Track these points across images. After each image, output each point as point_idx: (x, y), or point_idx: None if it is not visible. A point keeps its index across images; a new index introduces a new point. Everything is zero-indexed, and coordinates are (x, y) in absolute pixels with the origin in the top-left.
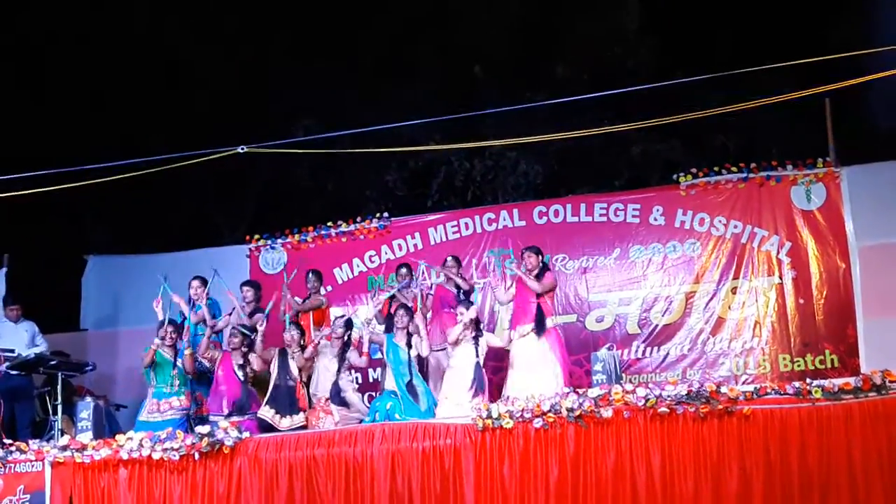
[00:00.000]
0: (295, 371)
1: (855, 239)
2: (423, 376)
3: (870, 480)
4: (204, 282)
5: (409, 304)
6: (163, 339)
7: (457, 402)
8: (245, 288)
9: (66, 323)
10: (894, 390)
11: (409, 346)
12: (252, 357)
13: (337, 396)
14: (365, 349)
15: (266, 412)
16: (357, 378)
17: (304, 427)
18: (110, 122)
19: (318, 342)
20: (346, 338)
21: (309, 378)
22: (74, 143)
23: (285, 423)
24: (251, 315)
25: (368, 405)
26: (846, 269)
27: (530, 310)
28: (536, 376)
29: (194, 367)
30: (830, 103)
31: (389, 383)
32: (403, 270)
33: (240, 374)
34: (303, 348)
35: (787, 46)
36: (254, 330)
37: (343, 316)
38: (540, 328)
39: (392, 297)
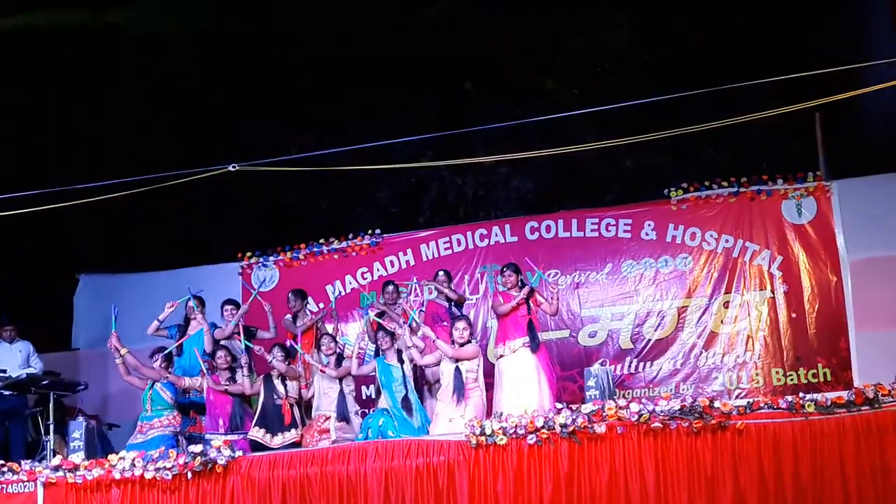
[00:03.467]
0: (281, 389)
1: (846, 252)
2: (419, 394)
3: (863, 494)
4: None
5: (400, 320)
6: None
7: (448, 418)
8: (228, 307)
9: (57, 342)
10: (887, 404)
11: (402, 361)
12: (239, 376)
13: (342, 412)
14: (355, 359)
15: (256, 433)
16: (352, 393)
17: (298, 444)
18: (102, 140)
19: (317, 368)
20: (338, 352)
21: (299, 396)
22: (65, 162)
23: (277, 440)
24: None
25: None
26: (838, 282)
27: (521, 324)
28: (526, 392)
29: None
30: (820, 117)
31: (382, 402)
32: (390, 288)
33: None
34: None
35: (778, 61)
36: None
37: (328, 333)
38: (534, 344)
39: (381, 315)
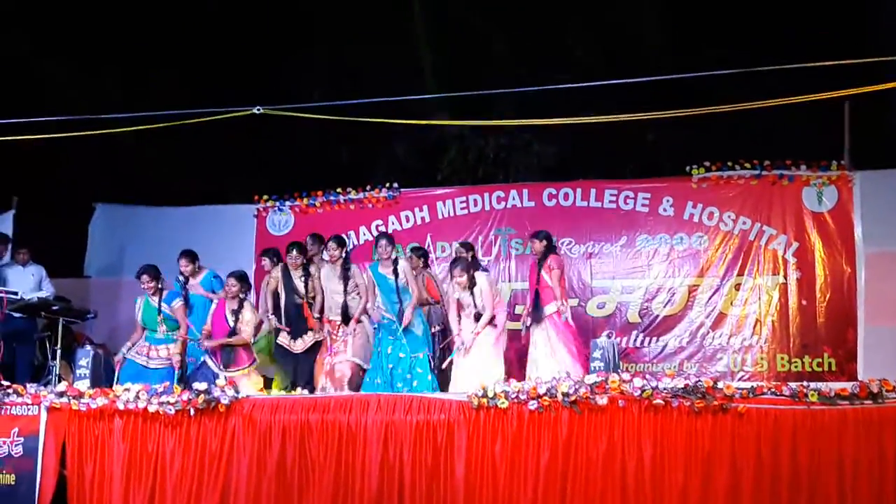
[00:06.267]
0: (302, 288)
1: (863, 244)
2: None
3: (857, 487)
4: (192, 259)
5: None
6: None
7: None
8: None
9: (70, 269)
10: (890, 399)
11: (396, 273)
12: (246, 305)
13: (346, 317)
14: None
15: (283, 338)
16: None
17: (320, 344)
18: (129, 73)
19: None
20: (344, 255)
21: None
22: (92, 92)
23: (298, 345)
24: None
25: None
26: (851, 273)
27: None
28: (540, 363)
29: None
30: (850, 107)
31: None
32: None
33: (231, 319)
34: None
35: (812, 46)
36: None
37: (334, 237)
38: (537, 317)
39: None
